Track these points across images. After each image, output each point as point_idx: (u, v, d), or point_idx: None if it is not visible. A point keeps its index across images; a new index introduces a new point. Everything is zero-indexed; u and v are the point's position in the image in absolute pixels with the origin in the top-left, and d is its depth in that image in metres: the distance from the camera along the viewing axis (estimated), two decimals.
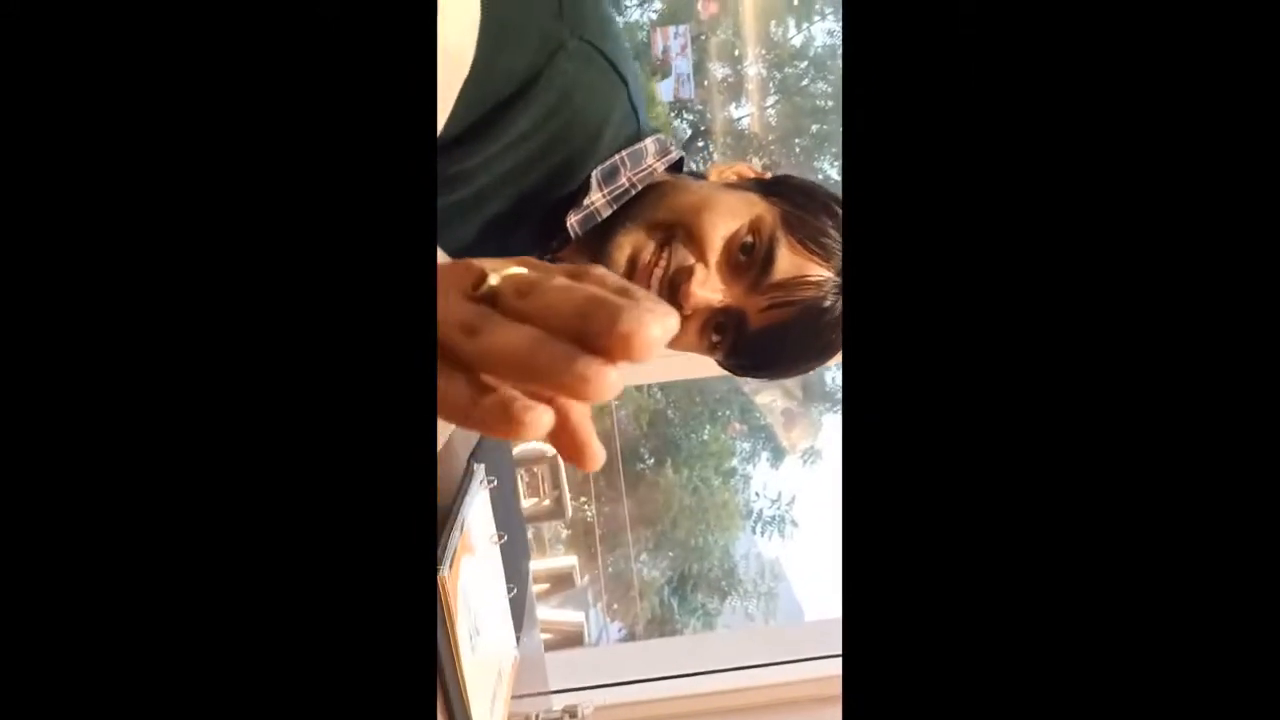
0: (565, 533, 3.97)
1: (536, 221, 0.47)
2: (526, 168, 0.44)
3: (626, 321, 0.17)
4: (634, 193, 0.47)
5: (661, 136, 0.49)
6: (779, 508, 4.09)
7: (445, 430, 0.49)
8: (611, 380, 0.18)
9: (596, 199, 0.46)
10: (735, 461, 4.32)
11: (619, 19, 0.47)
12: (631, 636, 4.03)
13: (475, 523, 0.54)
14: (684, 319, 0.45)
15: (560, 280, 0.19)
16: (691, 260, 0.44)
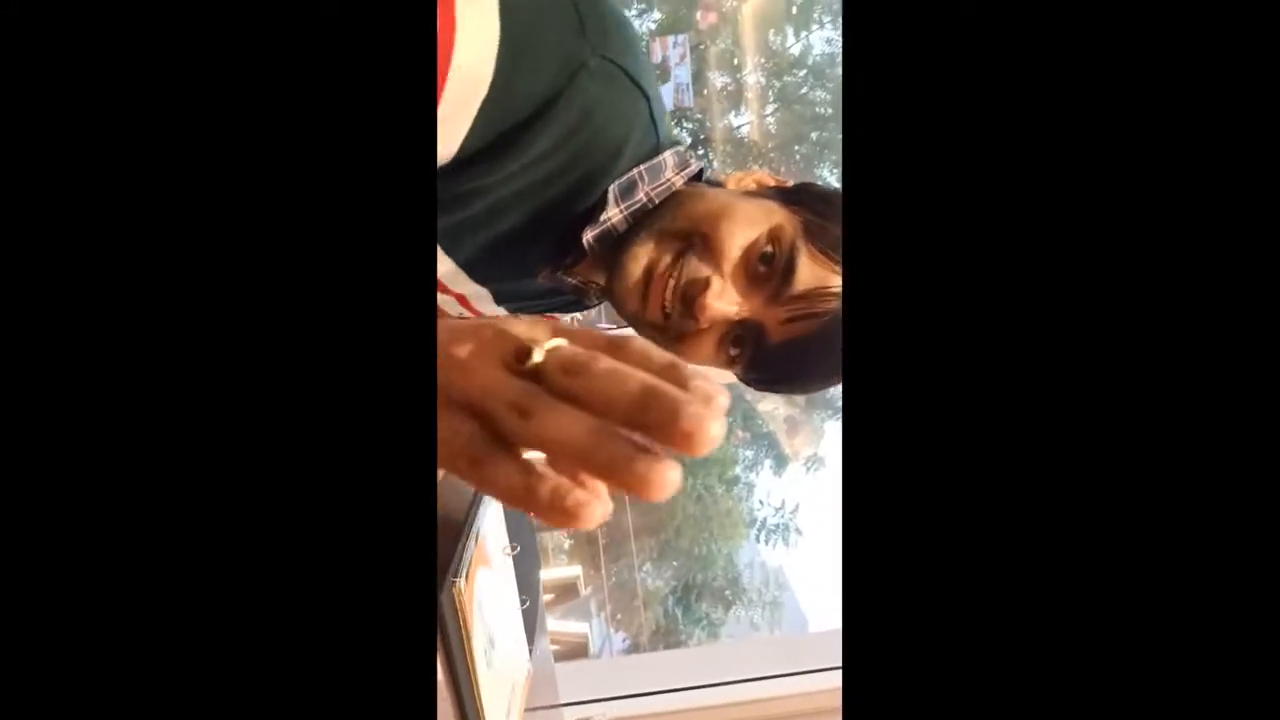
0: (568, 542, 3.96)
1: (553, 237, 0.46)
2: (544, 185, 0.43)
3: (687, 420, 0.18)
4: (651, 207, 0.46)
5: (680, 149, 0.48)
6: (783, 516, 4.08)
7: None
8: (672, 480, 0.18)
9: (614, 214, 0.45)
10: (738, 469, 4.31)
11: (636, 28, 0.47)
12: (636, 647, 4.01)
13: (489, 534, 0.54)
14: (700, 332, 0.44)
15: (607, 364, 0.19)
16: (707, 271, 0.43)
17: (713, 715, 1.10)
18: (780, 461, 4.27)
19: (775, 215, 0.44)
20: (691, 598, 4.11)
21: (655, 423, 0.18)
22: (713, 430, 0.18)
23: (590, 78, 0.40)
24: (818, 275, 0.43)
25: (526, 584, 0.63)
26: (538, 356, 0.20)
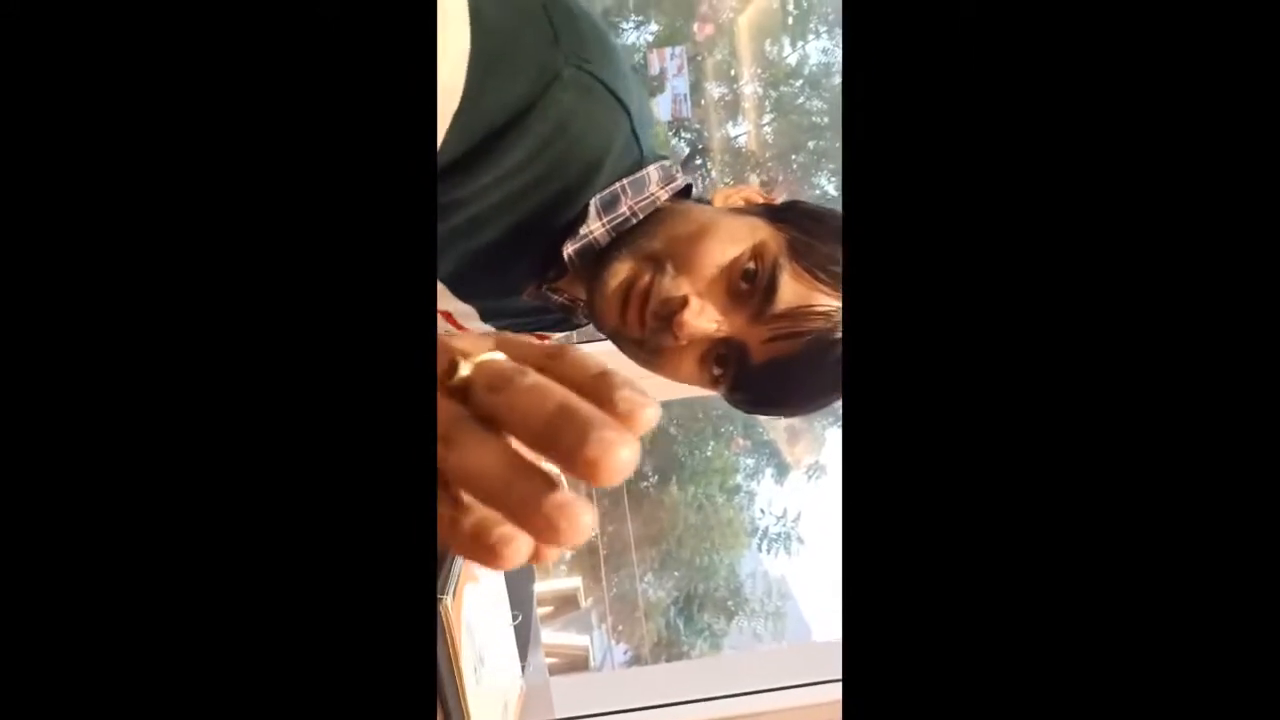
0: (568, 553, 3.94)
1: (535, 251, 0.46)
2: (521, 197, 0.43)
3: (592, 446, 0.17)
4: (634, 221, 0.46)
5: (666, 163, 0.48)
6: (784, 524, 4.06)
7: None
8: (584, 525, 0.17)
9: (595, 228, 0.45)
10: (739, 478, 4.30)
11: (616, 42, 0.47)
12: (637, 659, 3.98)
13: None
14: (680, 349, 0.44)
15: (530, 379, 0.19)
16: (686, 288, 0.43)
17: None
18: (781, 470, 4.26)
19: (760, 232, 0.44)
20: (693, 608, 4.09)
21: (563, 449, 0.17)
22: (620, 458, 0.17)
23: (564, 88, 0.40)
24: (801, 294, 0.42)
25: (519, 599, 0.62)
26: (464, 370, 0.20)
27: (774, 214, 0.46)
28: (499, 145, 0.40)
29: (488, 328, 0.56)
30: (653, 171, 0.46)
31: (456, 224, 0.43)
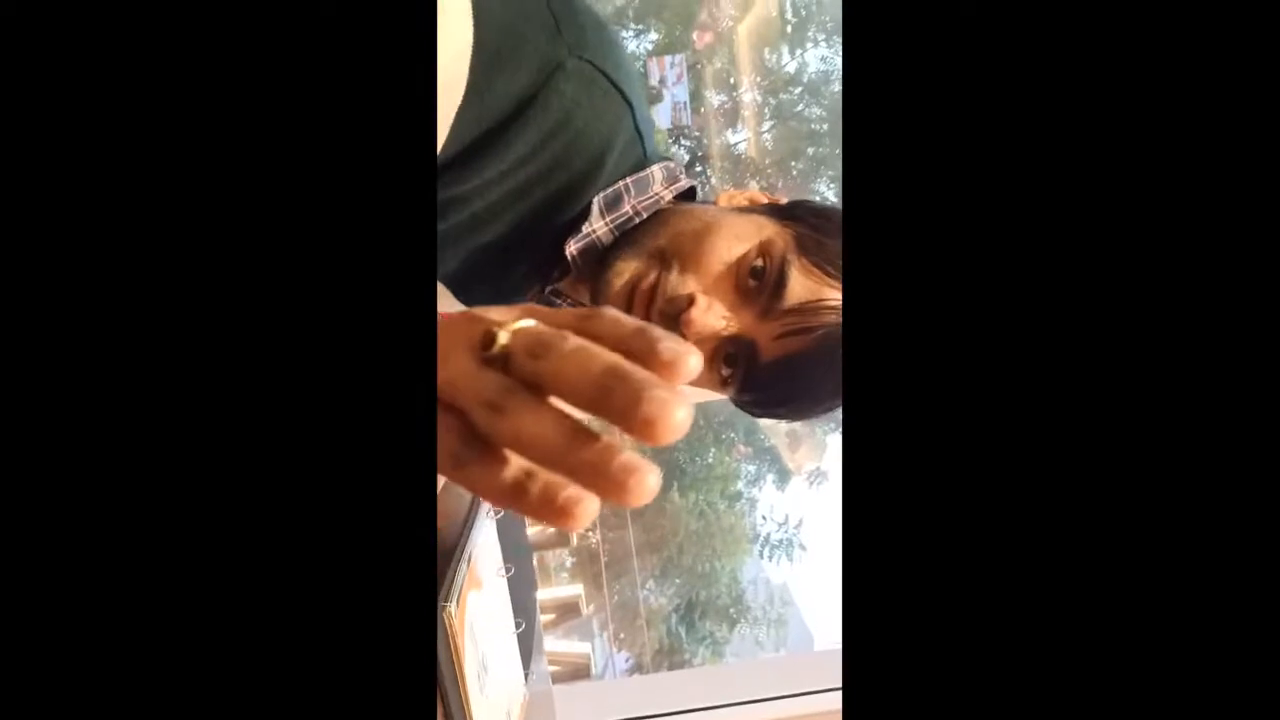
0: (570, 560, 3.92)
1: (536, 248, 0.46)
2: (524, 192, 0.42)
3: (648, 405, 0.17)
4: (638, 220, 0.45)
5: (670, 164, 0.47)
6: (786, 531, 4.05)
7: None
8: (650, 486, 0.17)
9: (598, 226, 0.44)
10: (741, 484, 4.29)
11: (618, 35, 0.46)
12: (639, 667, 3.96)
13: (482, 555, 0.53)
14: None
15: (573, 342, 0.18)
16: (692, 287, 0.42)
17: None
18: (783, 476, 4.24)
19: (766, 229, 0.43)
20: (695, 616, 4.07)
21: (618, 409, 0.17)
22: (676, 417, 0.17)
23: (567, 79, 0.39)
24: (810, 289, 0.42)
25: (521, 606, 0.62)
26: (503, 339, 0.19)
27: (780, 212, 0.45)
28: (502, 139, 0.39)
29: None
30: (657, 171, 0.46)
31: (459, 221, 0.43)
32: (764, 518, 4.16)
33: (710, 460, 4.25)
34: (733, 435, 4.25)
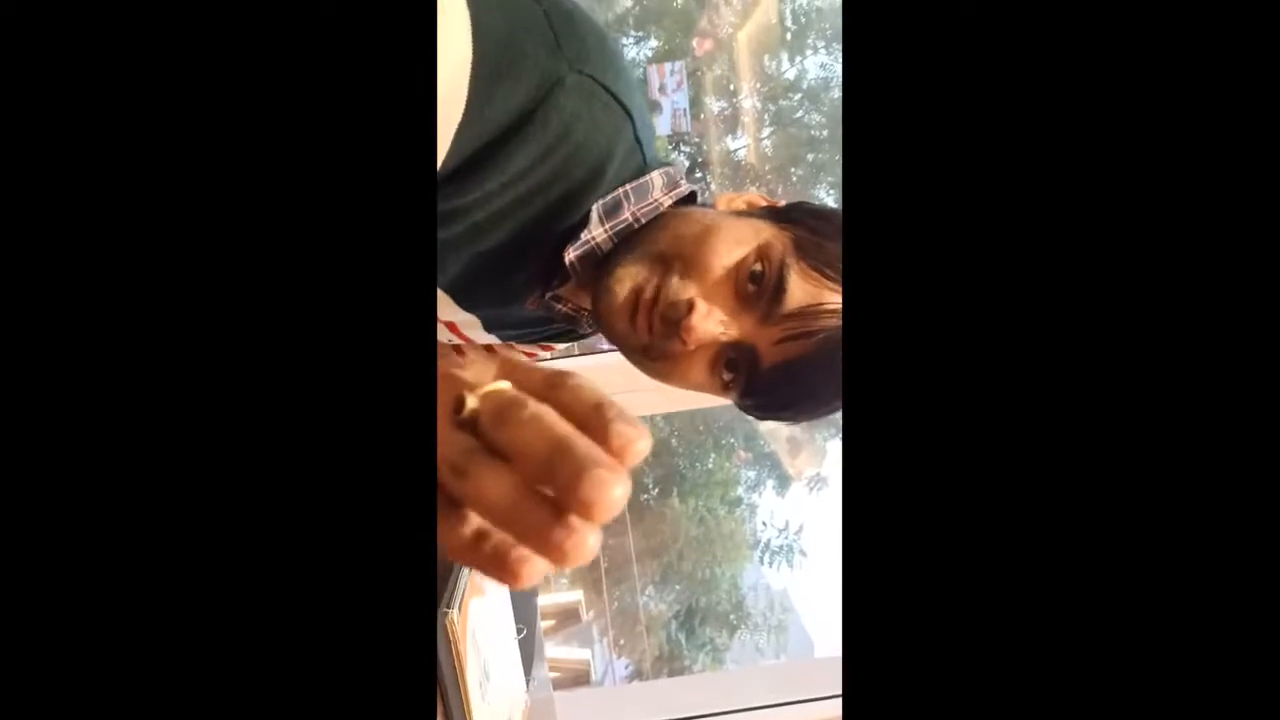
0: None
1: (537, 256, 0.46)
2: (524, 203, 0.43)
3: (587, 486, 0.18)
4: (637, 227, 0.45)
5: (670, 170, 0.48)
6: (786, 537, 4.03)
7: None
8: (588, 548, 0.19)
9: (597, 233, 0.44)
10: (741, 490, 4.28)
11: (619, 46, 0.46)
12: (639, 674, 3.94)
13: None
14: (689, 354, 0.43)
15: (529, 412, 0.20)
16: (691, 292, 0.42)
17: None
18: (783, 482, 4.23)
19: (764, 233, 0.43)
20: (695, 622, 4.05)
21: (560, 484, 0.19)
22: (612, 496, 0.18)
23: (567, 94, 0.39)
24: (810, 292, 0.42)
25: (523, 612, 0.62)
26: (471, 404, 0.21)
27: (779, 215, 0.45)
28: (502, 152, 0.39)
29: (491, 338, 0.56)
30: (656, 177, 0.46)
31: (459, 231, 0.43)
32: (764, 524, 4.15)
33: (710, 466, 4.24)
34: (733, 441, 4.25)
